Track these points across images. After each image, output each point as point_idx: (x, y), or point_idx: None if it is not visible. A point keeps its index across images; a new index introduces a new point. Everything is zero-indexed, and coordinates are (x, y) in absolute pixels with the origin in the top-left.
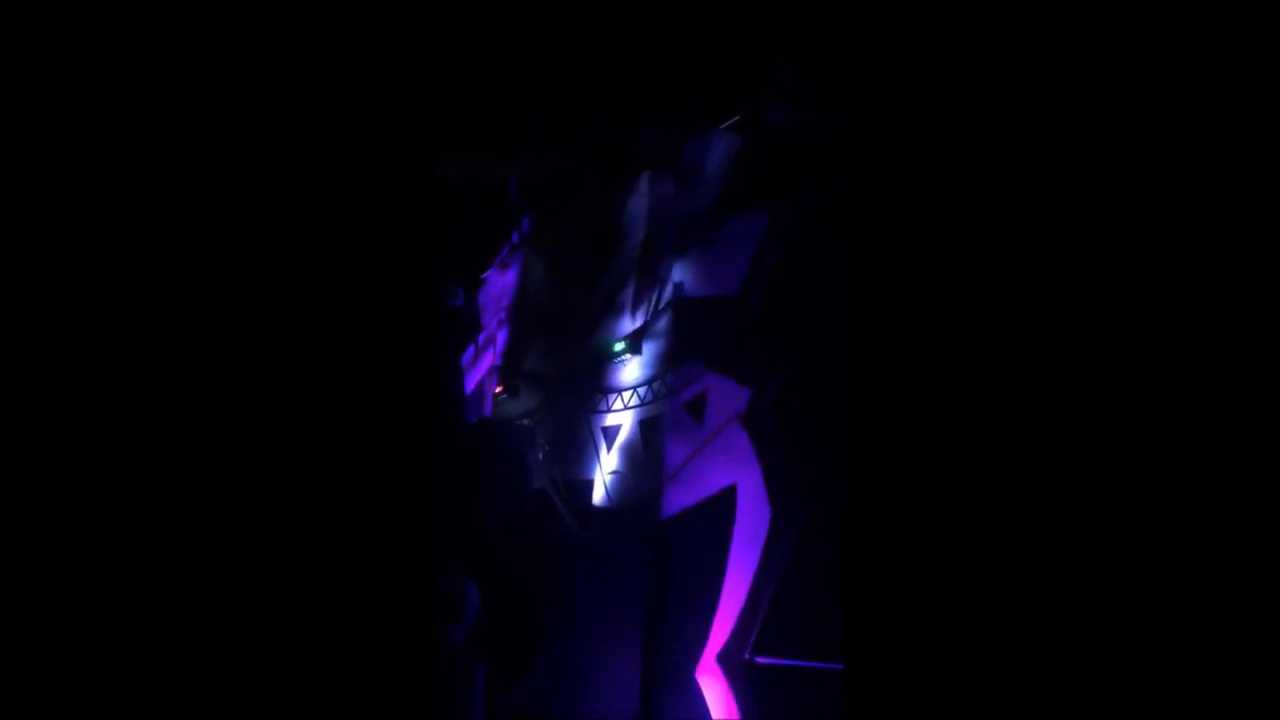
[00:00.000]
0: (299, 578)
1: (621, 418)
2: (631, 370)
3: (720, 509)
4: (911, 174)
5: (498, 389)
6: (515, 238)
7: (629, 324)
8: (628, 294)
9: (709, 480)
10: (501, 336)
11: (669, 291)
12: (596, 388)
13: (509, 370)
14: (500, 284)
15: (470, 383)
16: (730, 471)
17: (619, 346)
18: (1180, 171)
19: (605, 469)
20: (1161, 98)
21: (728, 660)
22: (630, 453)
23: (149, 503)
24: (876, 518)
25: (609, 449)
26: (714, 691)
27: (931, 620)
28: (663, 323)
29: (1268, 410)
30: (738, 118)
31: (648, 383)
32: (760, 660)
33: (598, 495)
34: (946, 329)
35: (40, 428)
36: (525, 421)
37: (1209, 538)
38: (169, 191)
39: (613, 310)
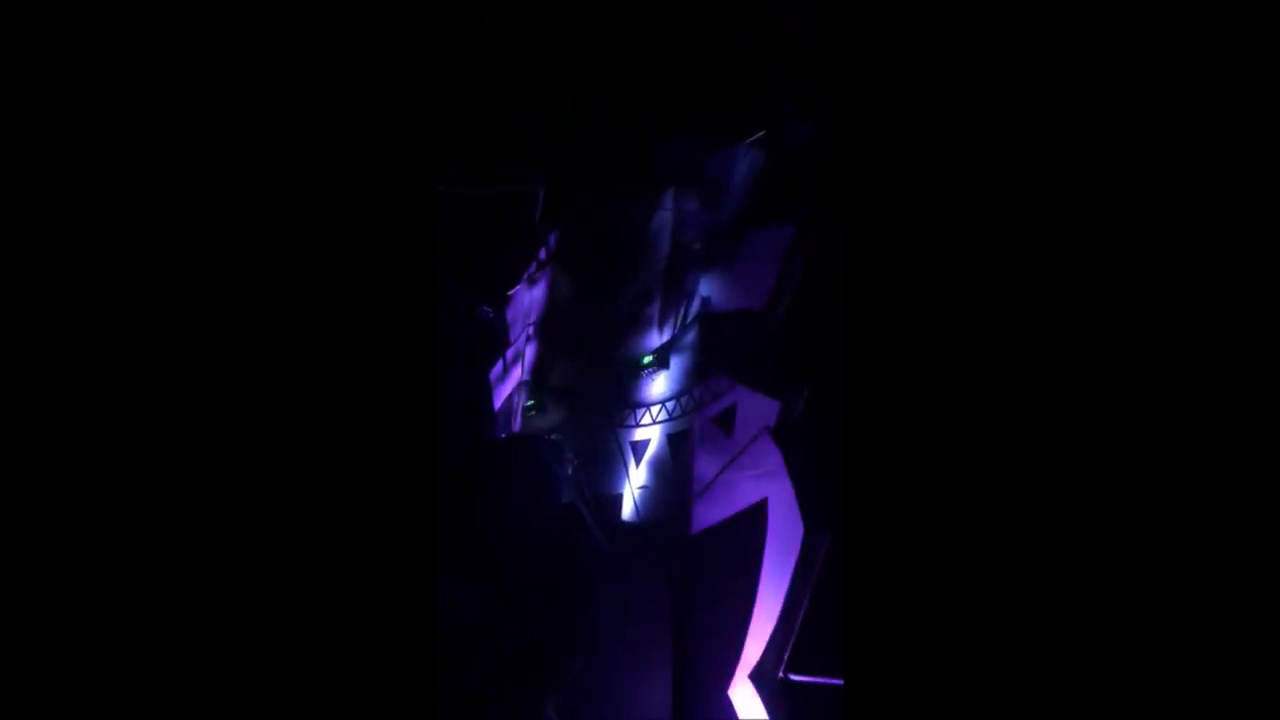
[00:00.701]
0: (300, 587)
1: (650, 432)
2: (659, 384)
3: (751, 524)
4: (904, 184)
5: (527, 403)
6: (542, 254)
7: (656, 338)
8: (654, 308)
9: (739, 495)
10: (530, 351)
11: (696, 305)
12: (625, 402)
13: (537, 385)
14: (528, 299)
15: (499, 397)
16: (761, 486)
17: (647, 360)
18: (1171, 181)
19: (634, 483)
20: (1148, 106)
21: (761, 677)
22: (659, 467)
23: (152, 505)
24: (877, 537)
25: (637, 463)
26: (747, 709)
27: (932, 638)
28: (690, 337)
29: (1263, 413)
30: (762, 132)
31: (676, 397)
32: (795, 678)
33: (627, 510)
34: (946, 345)
35: (48, 430)
36: (554, 436)
37: (1205, 551)
38: (171, 202)
39: (640, 324)
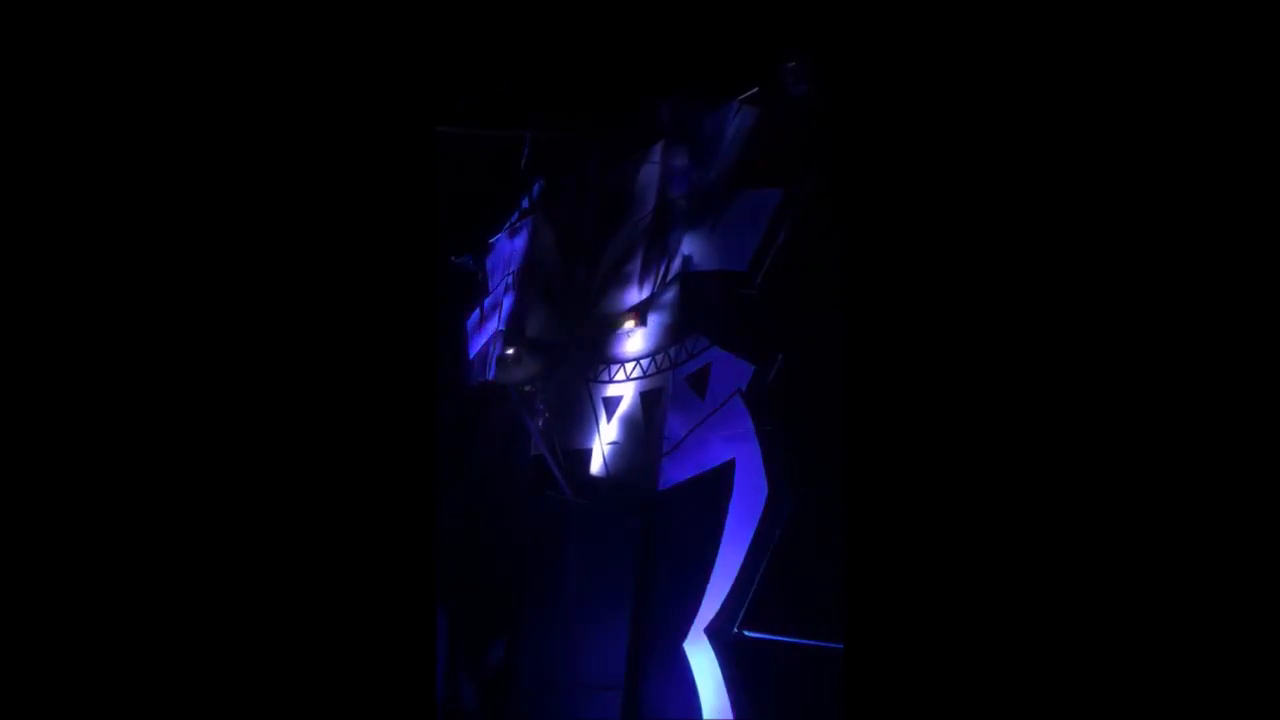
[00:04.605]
0: (299, 546)
1: (623, 388)
2: (635, 341)
3: (717, 484)
4: (900, 157)
5: (503, 353)
6: (525, 203)
7: (635, 295)
8: (635, 264)
9: (707, 455)
10: (508, 302)
11: (677, 264)
12: (599, 357)
13: (513, 335)
14: (509, 249)
15: (474, 346)
16: (729, 447)
17: (624, 317)
18: (1167, 170)
19: (604, 439)
20: (1153, 79)
21: (716, 633)
22: (630, 424)
23: (149, 464)
24: (876, 500)
25: (609, 419)
26: (701, 663)
27: (930, 601)
28: (669, 295)
29: (1263, 413)
30: (755, 89)
31: (651, 355)
32: (749, 634)
33: (595, 465)
34: (942, 314)
35: (32, 418)
36: (526, 388)
37: (1199, 526)
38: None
39: (620, 280)
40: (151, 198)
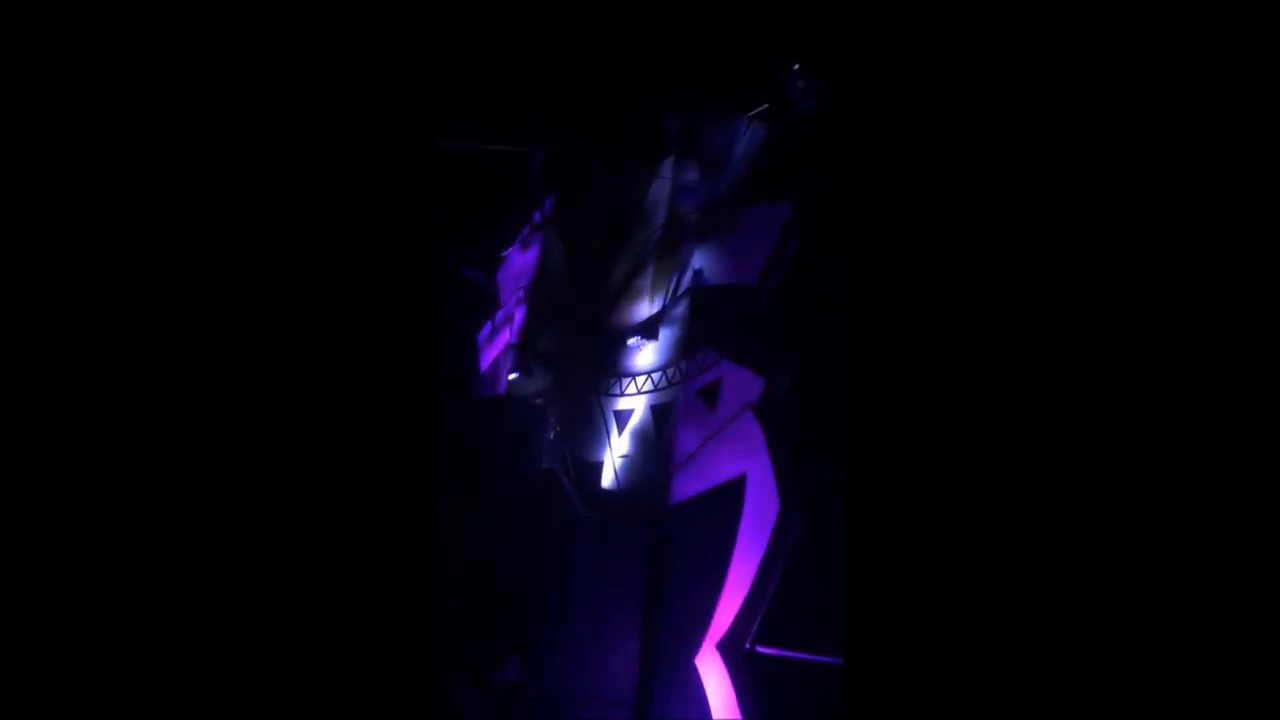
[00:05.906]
0: (301, 548)
1: (634, 402)
2: (646, 355)
3: (728, 498)
4: (899, 165)
5: (514, 367)
6: (537, 217)
7: (646, 308)
8: (646, 278)
9: (719, 468)
10: (519, 315)
11: (688, 278)
12: (611, 371)
13: (525, 349)
14: (520, 262)
15: (486, 360)
16: (740, 461)
17: (635, 331)
18: (1163, 166)
19: (615, 452)
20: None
21: (728, 649)
22: (641, 437)
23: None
24: (876, 513)
25: (620, 432)
26: (712, 679)
27: (929, 613)
28: (680, 309)
29: (1261, 413)
30: (765, 106)
31: (662, 368)
32: (761, 650)
33: (607, 478)
34: (943, 323)
35: (34, 420)
36: (538, 401)
37: (1196, 529)
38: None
39: (631, 294)
40: (152, 202)
